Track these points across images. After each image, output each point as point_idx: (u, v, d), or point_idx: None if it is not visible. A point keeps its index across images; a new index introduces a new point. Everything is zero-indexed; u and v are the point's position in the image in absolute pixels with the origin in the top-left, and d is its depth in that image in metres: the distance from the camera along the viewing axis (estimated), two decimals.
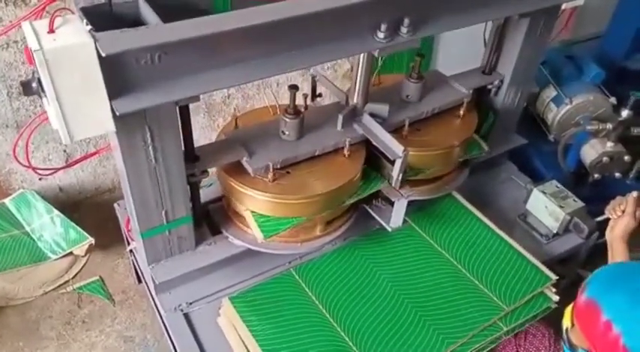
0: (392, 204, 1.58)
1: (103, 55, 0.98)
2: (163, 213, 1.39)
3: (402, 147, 1.45)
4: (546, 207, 1.82)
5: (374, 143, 1.51)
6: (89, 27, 1.02)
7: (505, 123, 1.95)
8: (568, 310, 1.16)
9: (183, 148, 1.32)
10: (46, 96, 1.03)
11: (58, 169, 1.34)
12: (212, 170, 1.49)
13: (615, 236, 1.43)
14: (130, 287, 2.10)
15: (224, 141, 1.49)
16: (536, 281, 1.63)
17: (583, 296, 1.04)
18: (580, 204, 1.81)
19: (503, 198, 1.99)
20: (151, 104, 1.10)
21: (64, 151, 2.23)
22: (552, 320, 1.58)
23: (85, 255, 2.13)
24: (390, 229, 1.62)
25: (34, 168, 1.25)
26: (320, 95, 1.72)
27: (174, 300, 1.56)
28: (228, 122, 1.59)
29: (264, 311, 1.53)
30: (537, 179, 2.03)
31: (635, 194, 1.45)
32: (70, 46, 0.97)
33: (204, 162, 1.40)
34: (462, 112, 1.72)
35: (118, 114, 1.07)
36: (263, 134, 1.50)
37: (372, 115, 1.56)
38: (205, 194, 1.63)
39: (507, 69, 1.79)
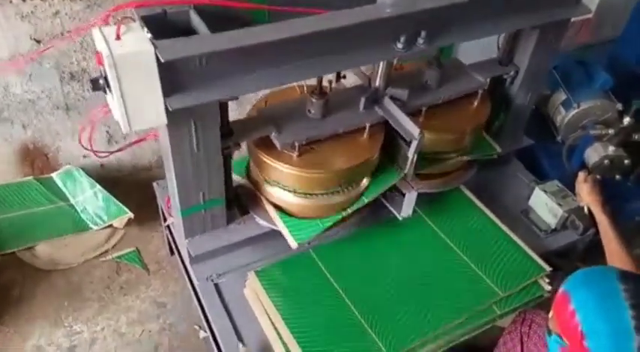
0: (404, 195, 1.74)
1: (162, 61, 1.16)
2: (201, 194, 1.58)
3: (418, 129, 1.55)
4: (546, 204, 1.97)
5: (392, 125, 1.61)
6: (149, 35, 1.20)
7: (514, 124, 2.08)
8: None
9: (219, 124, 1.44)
10: (111, 92, 1.22)
11: (113, 152, 1.53)
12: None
13: (588, 202, 1.85)
14: (163, 258, 2.31)
15: (255, 118, 1.61)
16: (531, 272, 1.78)
17: (561, 288, 1.20)
18: (578, 203, 1.95)
19: (507, 194, 2.13)
20: (197, 102, 1.27)
21: (107, 132, 2.43)
22: None
23: (124, 227, 2.35)
24: (400, 218, 1.78)
25: (94, 152, 1.44)
26: (344, 77, 1.81)
27: (206, 271, 1.73)
28: (259, 100, 1.72)
29: (285, 285, 1.72)
30: (543, 178, 2.16)
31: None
32: (136, 53, 1.16)
33: (238, 136, 1.53)
34: (476, 100, 1.82)
35: (170, 109, 1.25)
36: (291, 112, 1.61)
37: (392, 98, 1.65)
38: (237, 180, 1.81)
39: (518, 74, 1.91)
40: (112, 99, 1.24)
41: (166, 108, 1.26)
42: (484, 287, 1.74)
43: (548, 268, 1.80)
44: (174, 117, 1.31)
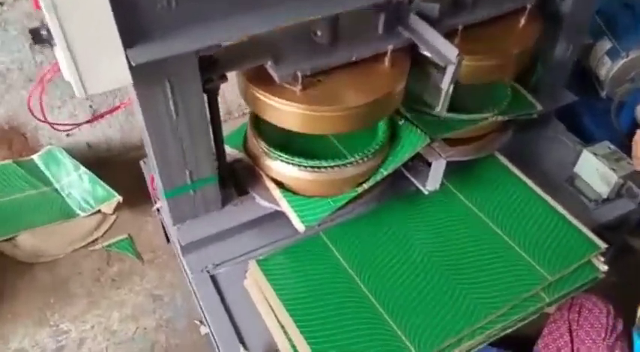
0: (429, 165, 1.48)
1: None
2: (187, 171, 1.33)
3: (456, 51, 1.22)
4: (597, 170, 1.69)
5: (422, 48, 1.29)
6: None
7: (554, 78, 1.79)
8: None
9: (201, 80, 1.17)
10: (55, 44, 0.96)
11: (78, 125, 1.27)
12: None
13: None
14: (159, 246, 2.08)
15: (245, 43, 1.27)
16: (583, 250, 1.52)
17: None
18: (635, 166, 1.67)
19: (549, 160, 1.85)
20: (168, 53, 1.01)
21: (90, 106, 2.19)
22: (613, 296, 1.48)
23: (114, 212, 2.12)
24: (426, 192, 1.53)
25: (51, 124, 1.19)
26: None
27: (200, 261, 1.51)
28: None
29: (291, 274, 1.48)
30: (587, 140, 1.89)
31: None
32: None
33: (223, 65, 1.23)
34: (524, 19, 1.50)
35: (133, 64, 0.99)
36: (291, 35, 1.29)
37: (420, 15, 1.32)
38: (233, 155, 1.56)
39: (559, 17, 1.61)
40: (60, 54, 0.98)
41: (129, 64, 0.99)
42: (529, 270, 1.48)
43: (603, 245, 1.53)
44: (142, 75, 1.05)
